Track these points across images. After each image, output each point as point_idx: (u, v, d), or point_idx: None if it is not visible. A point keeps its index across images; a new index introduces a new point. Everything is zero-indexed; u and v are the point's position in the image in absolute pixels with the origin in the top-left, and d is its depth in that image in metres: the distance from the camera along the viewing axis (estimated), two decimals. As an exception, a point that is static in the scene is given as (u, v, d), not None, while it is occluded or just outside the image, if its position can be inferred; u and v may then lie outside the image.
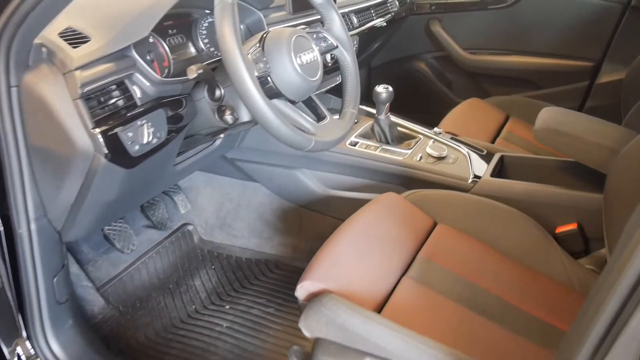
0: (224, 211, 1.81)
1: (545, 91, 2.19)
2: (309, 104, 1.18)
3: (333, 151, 1.52)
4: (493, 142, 1.79)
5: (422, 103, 2.49)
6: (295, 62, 1.01)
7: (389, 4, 2.08)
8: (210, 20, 1.28)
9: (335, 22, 1.23)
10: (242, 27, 1.37)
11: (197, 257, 1.75)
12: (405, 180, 1.46)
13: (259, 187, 1.75)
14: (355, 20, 1.74)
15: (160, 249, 1.71)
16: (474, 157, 1.50)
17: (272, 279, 1.65)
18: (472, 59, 2.28)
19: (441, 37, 2.31)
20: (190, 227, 1.81)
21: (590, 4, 2.00)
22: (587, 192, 1.27)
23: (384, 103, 1.51)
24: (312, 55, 1.07)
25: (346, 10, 1.71)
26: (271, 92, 1.01)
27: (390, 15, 2.09)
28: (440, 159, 1.47)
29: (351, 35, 1.72)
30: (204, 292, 1.61)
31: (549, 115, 1.37)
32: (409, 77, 2.47)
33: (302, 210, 1.67)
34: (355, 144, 1.55)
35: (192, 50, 1.23)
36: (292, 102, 1.09)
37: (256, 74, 0.95)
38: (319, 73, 1.08)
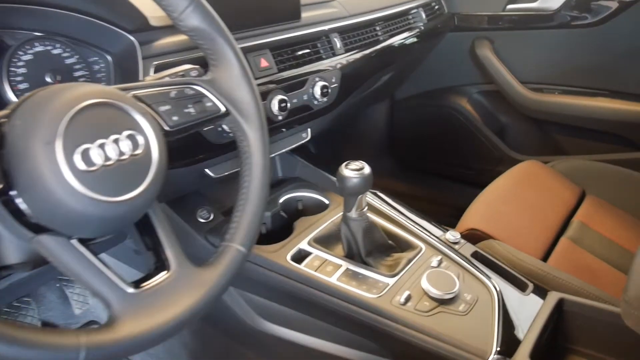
0: None
1: None
2: (147, 228, 0.59)
3: (265, 268, 0.90)
4: (554, 245, 1.10)
5: (458, 153, 1.79)
6: (65, 168, 0.46)
7: (410, 17, 1.43)
8: (38, 49, 0.76)
9: (229, 66, 0.66)
10: (109, 58, 0.81)
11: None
12: (378, 337, 0.83)
13: None
14: (338, 43, 1.11)
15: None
16: (510, 298, 0.84)
17: None
18: (534, 99, 1.55)
19: (490, 65, 1.60)
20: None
21: None
22: None
23: (354, 194, 0.87)
24: (133, 143, 0.51)
25: (325, 28, 1.08)
26: (28, 223, 0.49)
27: (417, 30, 1.45)
28: (443, 302, 0.82)
29: (330, 70, 1.10)
30: None
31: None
32: (444, 117, 1.77)
33: (230, 344, 1.06)
34: (303, 258, 0.91)
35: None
36: (86, 241, 0.53)
37: None
38: (148, 179, 0.52)
